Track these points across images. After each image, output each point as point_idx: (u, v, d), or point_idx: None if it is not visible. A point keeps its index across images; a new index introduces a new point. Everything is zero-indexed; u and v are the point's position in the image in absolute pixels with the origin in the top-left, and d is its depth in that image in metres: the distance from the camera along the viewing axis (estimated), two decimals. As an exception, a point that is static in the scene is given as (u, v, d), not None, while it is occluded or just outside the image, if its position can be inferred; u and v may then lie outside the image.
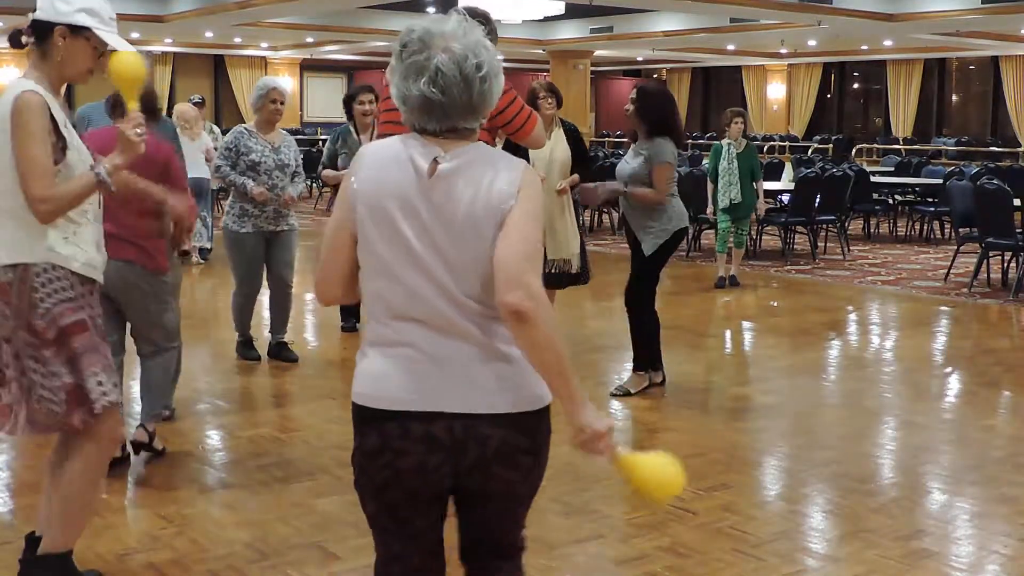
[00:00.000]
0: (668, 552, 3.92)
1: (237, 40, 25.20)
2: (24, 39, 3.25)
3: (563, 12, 18.05)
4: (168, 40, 24.57)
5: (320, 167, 7.68)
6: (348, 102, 7.66)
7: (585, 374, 6.37)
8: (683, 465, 2.29)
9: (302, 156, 6.97)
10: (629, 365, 6.23)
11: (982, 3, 15.70)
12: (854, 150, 24.37)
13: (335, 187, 7.92)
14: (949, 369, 7.53)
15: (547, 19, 19.78)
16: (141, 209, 4.44)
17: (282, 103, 6.66)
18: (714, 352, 7.77)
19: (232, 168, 6.55)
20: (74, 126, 3.33)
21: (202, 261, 10.99)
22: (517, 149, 4.97)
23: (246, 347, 6.92)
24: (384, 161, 2.29)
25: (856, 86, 29.70)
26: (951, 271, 10.81)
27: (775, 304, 9.81)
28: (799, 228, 12.47)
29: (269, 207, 6.57)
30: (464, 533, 2.47)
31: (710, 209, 10.43)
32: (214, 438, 5.35)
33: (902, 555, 3.95)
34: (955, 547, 4.12)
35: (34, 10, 3.25)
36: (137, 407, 5.09)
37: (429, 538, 2.42)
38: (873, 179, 14.96)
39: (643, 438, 5.37)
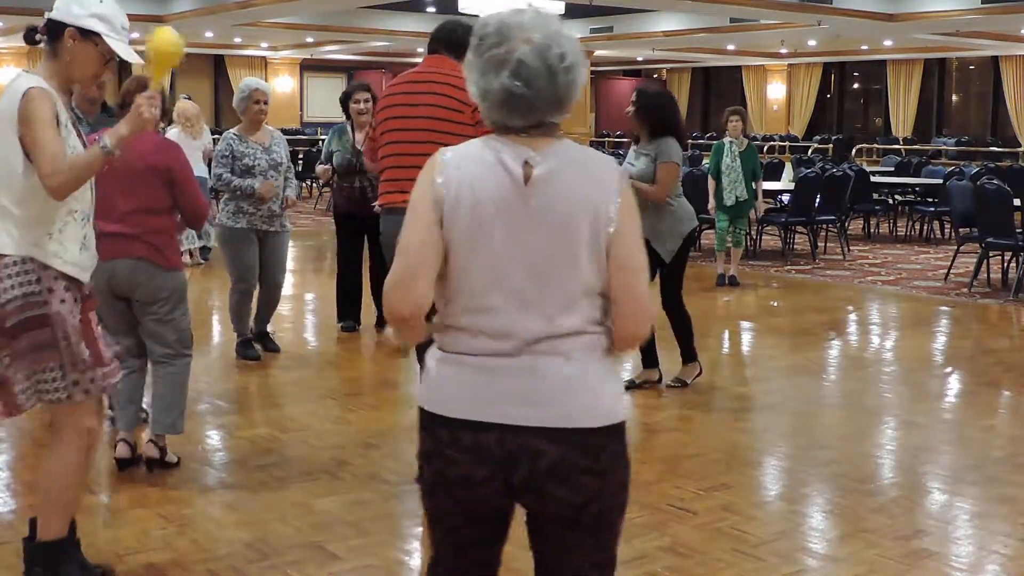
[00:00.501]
0: (668, 552, 3.92)
1: (237, 40, 25.21)
2: (38, 36, 3.33)
3: (563, 12, 18.04)
4: (168, 40, 24.55)
5: (318, 165, 7.71)
6: (344, 100, 7.72)
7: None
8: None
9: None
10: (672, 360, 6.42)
11: (982, 3, 15.71)
12: (854, 150, 24.34)
13: (333, 187, 7.94)
14: (949, 369, 7.53)
15: (547, 19, 19.77)
16: (150, 206, 4.44)
17: (266, 102, 6.66)
18: (714, 352, 7.76)
19: (232, 174, 6.58)
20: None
21: (202, 261, 10.99)
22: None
23: (246, 347, 6.93)
24: (471, 164, 2.17)
25: (856, 86, 29.70)
26: (951, 271, 10.81)
27: (775, 304, 9.81)
28: (799, 228, 12.46)
29: (264, 207, 6.60)
30: (537, 566, 2.31)
31: (711, 204, 10.42)
32: (214, 438, 5.35)
33: (902, 555, 3.94)
34: (955, 547, 4.12)
35: (49, 9, 3.31)
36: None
37: (479, 558, 2.30)
38: (873, 179, 14.95)
39: (643, 438, 5.36)
